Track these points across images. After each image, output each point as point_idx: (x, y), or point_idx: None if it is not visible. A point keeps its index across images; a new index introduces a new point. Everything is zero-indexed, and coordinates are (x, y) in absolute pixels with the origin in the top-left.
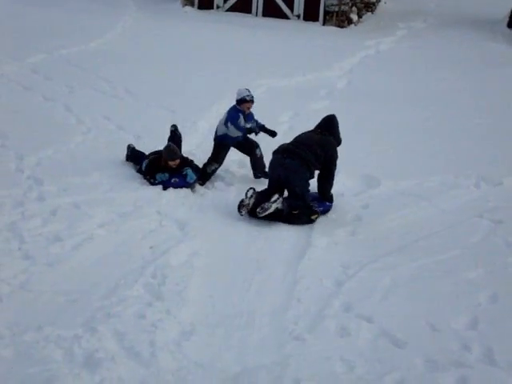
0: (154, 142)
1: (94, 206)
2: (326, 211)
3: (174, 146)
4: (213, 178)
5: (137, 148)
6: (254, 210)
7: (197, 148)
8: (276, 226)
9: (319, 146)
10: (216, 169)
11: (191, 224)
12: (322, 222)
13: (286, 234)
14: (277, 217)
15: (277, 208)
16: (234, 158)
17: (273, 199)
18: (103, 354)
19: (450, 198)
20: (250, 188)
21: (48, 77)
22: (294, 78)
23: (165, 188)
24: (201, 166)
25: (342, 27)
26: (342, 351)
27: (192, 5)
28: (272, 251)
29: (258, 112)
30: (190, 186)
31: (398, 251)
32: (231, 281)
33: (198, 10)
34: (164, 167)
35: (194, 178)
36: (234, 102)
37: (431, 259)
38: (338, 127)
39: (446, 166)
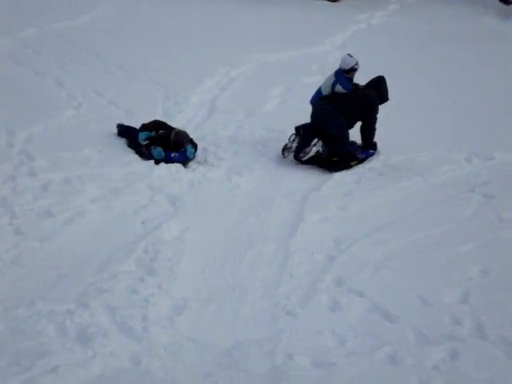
0: (145, 117)
1: (86, 181)
2: (367, 157)
3: (184, 131)
4: (204, 153)
5: (126, 124)
6: (296, 152)
7: (188, 123)
8: (268, 200)
9: (359, 99)
10: None
11: (183, 199)
12: (313, 197)
13: (278, 209)
14: (317, 161)
15: (317, 151)
16: (226, 132)
17: (313, 143)
18: (95, 329)
19: (442, 172)
20: (293, 133)
21: (39, 51)
22: (285, 53)
23: (157, 163)
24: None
25: (333, 1)
26: (333, 325)
27: None
28: (264, 226)
29: (250, 86)
30: (189, 161)
31: (390, 226)
32: (223, 256)
33: None
34: (171, 147)
35: (194, 153)
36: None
37: (423, 234)
38: (384, 86)
39: (438, 140)
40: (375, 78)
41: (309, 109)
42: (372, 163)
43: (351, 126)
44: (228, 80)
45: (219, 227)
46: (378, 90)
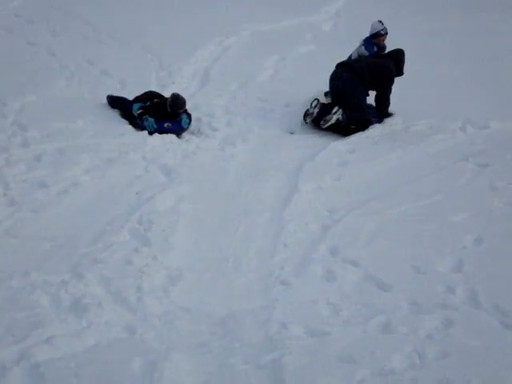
0: (139, 87)
1: (79, 151)
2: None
3: (184, 99)
4: (198, 123)
5: (116, 95)
6: (317, 118)
7: (182, 93)
8: (262, 171)
9: (377, 67)
10: None
11: (177, 170)
12: (307, 167)
13: (272, 179)
14: (335, 128)
15: (338, 119)
16: (220, 102)
17: (334, 110)
18: (90, 300)
19: (436, 141)
20: (315, 99)
21: (30, 20)
22: (279, 22)
23: (150, 133)
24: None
25: None
26: (328, 295)
27: None
28: (258, 196)
29: (244, 56)
30: (183, 131)
31: (384, 196)
32: (217, 226)
33: None
34: (169, 114)
35: (188, 122)
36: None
37: (416, 203)
38: (402, 59)
39: (432, 109)
40: (394, 50)
41: (302, 78)
42: (366, 133)
43: (368, 94)
44: (221, 50)
45: (213, 198)
46: (396, 61)
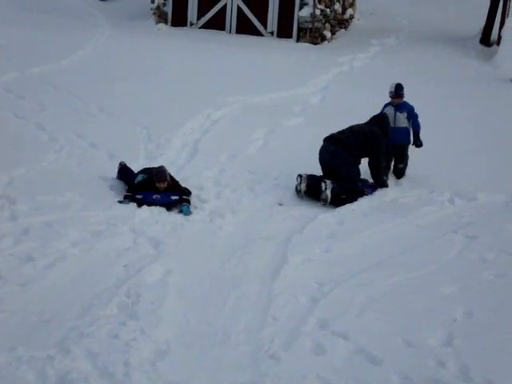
0: (127, 160)
1: (67, 224)
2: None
3: (164, 169)
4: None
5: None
6: (308, 191)
7: (171, 165)
8: (251, 242)
9: (364, 134)
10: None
11: (165, 242)
12: (296, 238)
13: (261, 251)
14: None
15: (332, 189)
16: (209, 174)
17: (323, 187)
18: (76, 375)
19: (425, 213)
20: (298, 175)
21: (20, 95)
22: (268, 95)
23: (139, 205)
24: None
25: (315, 44)
26: (318, 369)
27: (165, 22)
28: (247, 268)
29: (233, 128)
30: (173, 204)
31: (373, 268)
32: (206, 299)
33: (172, 27)
34: (154, 188)
35: (189, 214)
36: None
37: (406, 275)
38: (387, 124)
39: (421, 181)
40: (378, 115)
41: (291, 151)
42: (355, 204)
43: (359, 162)
44: (210, 122)
45: (202, 270)
46: (380, 126)
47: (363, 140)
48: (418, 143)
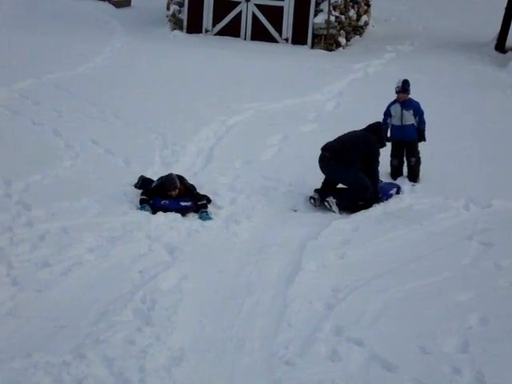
0: (143, 167)
1: (83, 230)
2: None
3: (174, 176)
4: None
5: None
6: (322, 201)
7: (186, 171)
8: (266, 249)
9: (362, 143)
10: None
11: (180, 248)
12: (311, 245)
13: (275, 257)
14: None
15: (337, 203)
16: (224, 181)
17: (328, 207)
18: (92, 381)
19: (439, 220)
20: (311, 198)
21: (36, 101)
22: (282, 101)
23: (154, 212)
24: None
25: (330, 50)
26: (333, 375)
27: (181, 29)
28: (262, 275)
29: (247, 135)
30: (183, 210)
31: (388, 274)
32: (221, 305)
33: (187, 34)
34: (167, 195)
35: (208, 220)
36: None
37: (421, 282)
38: (382, 130)
39: (436, 188)
40: (372, 124)
41: (305, 157)
42: (370, 211)
43: (361, 168)
44: (225, 128)
45: (217, 276)
46: (375, 133)
47: (362, 149)
48: (422, 140)
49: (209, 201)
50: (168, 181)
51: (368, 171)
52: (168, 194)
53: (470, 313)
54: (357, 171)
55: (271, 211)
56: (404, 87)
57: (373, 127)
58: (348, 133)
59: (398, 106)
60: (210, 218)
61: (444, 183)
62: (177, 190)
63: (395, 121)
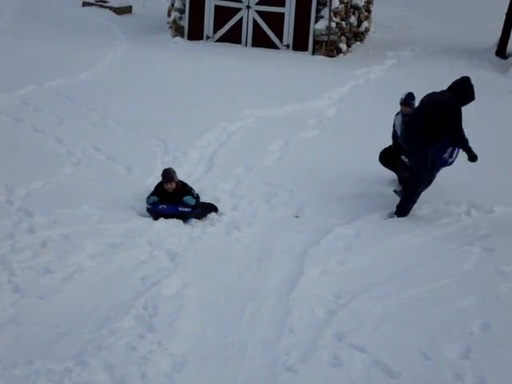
0: (145, 173)
1: (85, 237)
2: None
3: (171, 169)
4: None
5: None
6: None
7: (187, 178)
8: (268, 255)
9: (438, 109)
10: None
11: (182, 254)
12: (313, 251)
13: (277, 264)
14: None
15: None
16: (225, 187)
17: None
18: None
19: (441, 225)
20: (394, 191)
21: (38, 108)
22: (283, 108)
23: (156, 218)
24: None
25: (331, 56)
26: (334, 382)
27: (182, 35)
28: (263, 281)
29: (249, 141)
30: (181, 214)
31: (390, 280)
32: (223, 311)
33: (188, 41)
34: (163, 191)
35: (191, 203)
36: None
37: (423, 288)
38: (463, 87)
39: (437, 193)
40: (458, 79)
41: (307, 163)
42: (371, 216)
43: (433, 146)
44: (227, 135)
45: (218, 282)
46: (455, 91)
47: (438, 117)
48: None
49: (215, 210)
50: (167, 173)
51: (455, 141)
52: (165, 189)
53: (471, 318)
54: (424, 149)
55: (273, 217)
56: (406, 100)
57: (452, 84)
58: (428, 98)
59: (400, 118)
60: (191, 201)
61: (445, 189)
62: (173, 184)
63: (399, 131)
